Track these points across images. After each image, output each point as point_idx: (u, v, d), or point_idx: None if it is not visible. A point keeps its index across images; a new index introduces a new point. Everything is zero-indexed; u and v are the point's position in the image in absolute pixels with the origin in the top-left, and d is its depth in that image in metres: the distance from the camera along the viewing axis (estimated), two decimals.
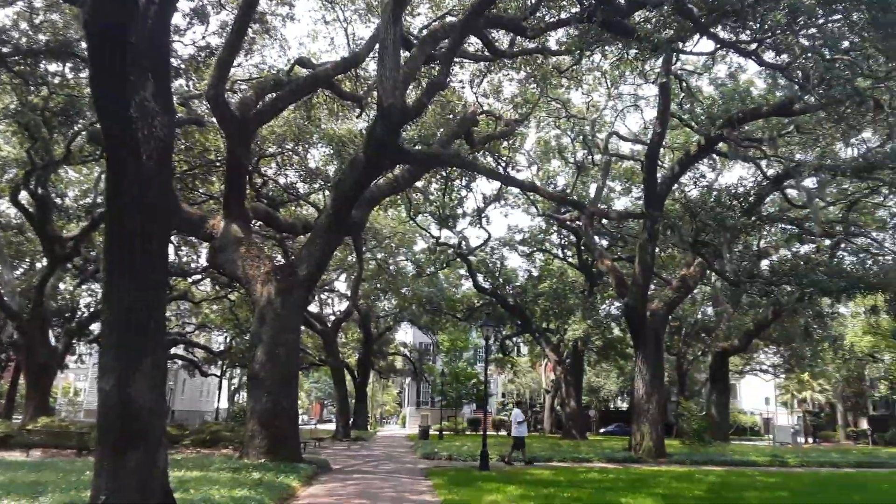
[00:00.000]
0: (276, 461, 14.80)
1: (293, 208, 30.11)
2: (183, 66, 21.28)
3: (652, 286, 27.61)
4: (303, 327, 40.09)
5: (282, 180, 29.54)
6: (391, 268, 41.28)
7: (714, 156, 29.07)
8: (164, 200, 8.30)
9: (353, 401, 48.92)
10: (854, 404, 53.54)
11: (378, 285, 41.91)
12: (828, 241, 27.18)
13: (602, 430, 54.87)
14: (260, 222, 25.01)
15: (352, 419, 45.82)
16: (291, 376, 16.33)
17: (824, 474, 18.75)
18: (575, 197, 34.96)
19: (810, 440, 47.66)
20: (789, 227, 26.12)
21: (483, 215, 36.32)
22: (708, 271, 28.72)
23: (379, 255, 40.52)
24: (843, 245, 27.22)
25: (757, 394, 65.09)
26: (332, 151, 27.32)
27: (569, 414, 36.73)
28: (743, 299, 35.25)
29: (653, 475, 16.99)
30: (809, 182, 20.96)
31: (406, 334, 62.96)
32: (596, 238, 31.86)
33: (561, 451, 23.19)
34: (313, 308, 41.81)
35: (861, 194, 27.37)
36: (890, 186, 25.72)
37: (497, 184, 34.93)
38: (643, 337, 23.96)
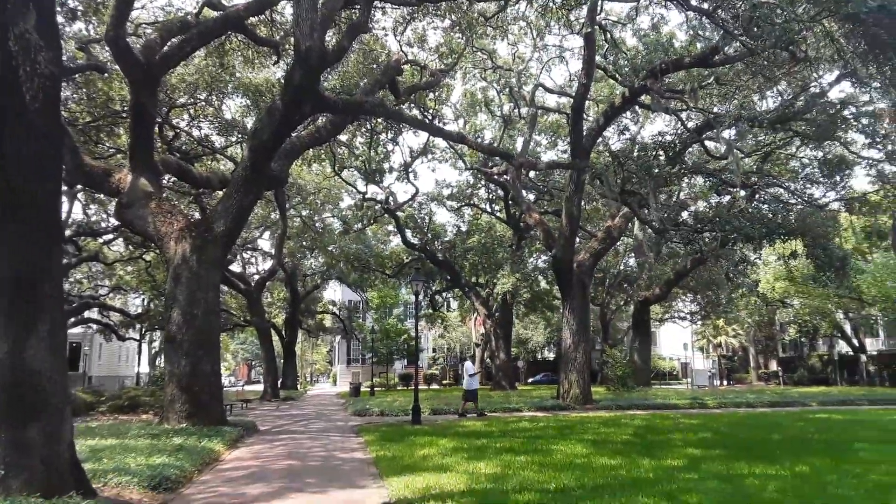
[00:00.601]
0: (199, 425, 14.18)
1: (209, 162, 28.65)
2: (81, 7, 19.52)
3: (578, 239, 28.00)
4: (225, 287, 39.00)
5: (196, 133, 27.97)
6: (317, 225, 40.32)
7: (637, 109, 29.44)
8: (53, 149, 7.46)
9: (282, 361, 48.15)
10: (765, 347, 56.77)
11: (304, 243, 40.93)
12: (742, 193, 28.14)
13: (530, 381, 56.26)
14: (173, 177, 23.65)
15: (280, 379, 45.14)
16: (211, 337, 15.58)
17: (741, 414, 19.62)
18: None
19: (725, 382, 50.29)
20: (709, 178, 26.82)
21: (410, 170, 35.75)
22: (630, 223, 29.41)
23: (304, 212, 39.42)
24: (757, 195, 28.23)
25: (675, 340, 68.16)
26: (248, 102, 26.01)
27: (498, 366, 37.26)
28: (664, 250, 36.43)
29: (581, 421, 17.32)
30: (728, 133, 21.40)
31: (335, 292, 62.18)
32: (523, 192, 31.95)
33: (492, 403, 23.41)
34: (236, 268, 40.50)
35: (775, 146, 28.39)
36: (802, 137, 26.75)
37: (424, 137, 34.41)
38: (570, 288, 24.25)
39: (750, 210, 19.15)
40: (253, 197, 16.08)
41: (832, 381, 44.37)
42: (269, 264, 39.22)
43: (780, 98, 26.09)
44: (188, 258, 15.28)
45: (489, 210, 41.75)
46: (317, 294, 52.98)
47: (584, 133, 24.51)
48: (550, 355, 66.12)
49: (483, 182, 38.54)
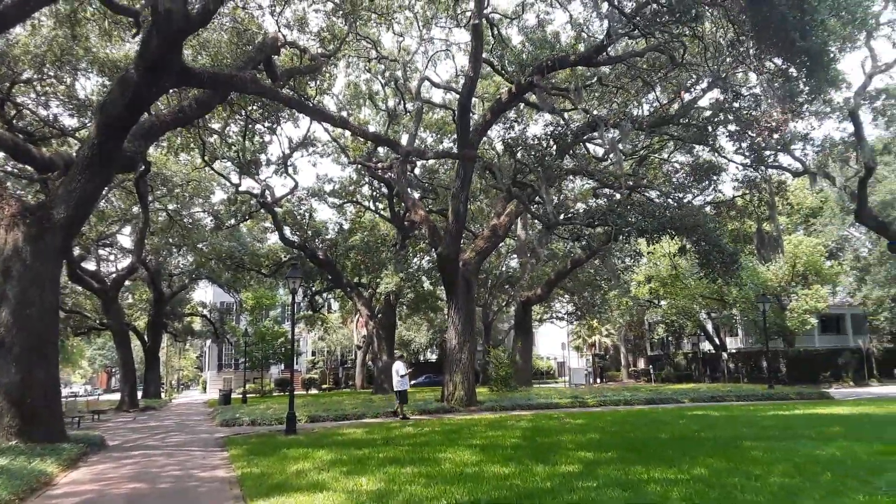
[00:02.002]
0: (32, 442, 12.14)
1: (57, 145, 25.52)
2: None
3: (462, 239, 27.48)
4: (79, 287, 35.19)
5: (43, 112, 24.84)
6: (185, 220, 37.34)
7: (522, 108, 29.43)
8: None
9: (144, 367, 44.40)
10: (634, 346, 59.29)
11: (170, 239, 37.79)
12: (618, 196, 28.81)
13: (412, 383, 55.37)
14: (13, 162, 20.71)
15: (142, 387, 41.51)
16: (48, 342, 13.41)
17: (623, 412, 19.69)
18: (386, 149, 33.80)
19: (598, 380, 51.86)
20: (590, 179, 27.18)
21: (289, 163, 33.85)
22: (514, 224, 29.30)
23: (170, 206, 36.38)
24: (633, 197, 28.96)
25: (551, 340, 70.03)
26: (106, 80, 23.33)
27: (381, 368, 36.08)
28: (545, 251, 36.83)
29: (467, 425, 16.59)
30: (611, 133, 21.56)
31: (205, 293, 58.32)
32: (408, 189, 31.03)
33: (374, 407, 22.26)
34: (90, 265, 36.74)
35: (651, 149, 29.29)
36: (677, 141, 27.71)
37: (304, 129, 32.79)
38: (455, 287, 23.61)
39: (638, 206, 19.25)
40: (100, 181, 14.04)
41: (696, 378, 46.81)
42: (129, 262, 35.83)
43: (657, 103, 26.90)
44: (21, 249, 13.07)
45: (373, 208, 40.54)
46: (185, 295, 49.37)
47: (471, 128, 24.02)
48: (433, 357, 65.76)
49: (367, 178, 37.29)
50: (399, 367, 20.52)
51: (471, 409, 22.13)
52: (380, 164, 32.64)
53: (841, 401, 23.05)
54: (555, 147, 19.12)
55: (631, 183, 27.72)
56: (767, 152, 27.04)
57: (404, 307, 46.48)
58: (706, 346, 48.89)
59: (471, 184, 24.33)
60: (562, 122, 24.86)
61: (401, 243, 37.48)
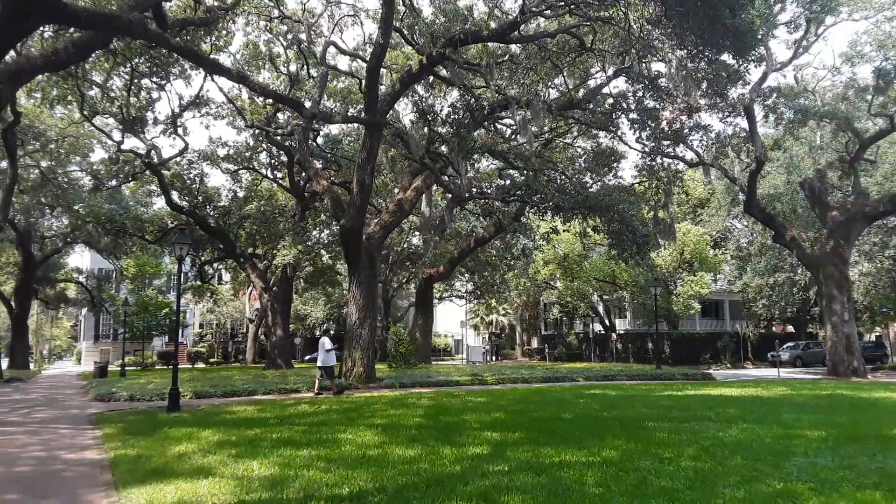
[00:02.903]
0: None
1: None
2: None
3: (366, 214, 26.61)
4: None
5: None
6: (60, 178, 34.15)
7: (431, 80, 28.74)
8: None
9: (10, 335, 40.67)
10: (529, 326, 60.61)
11: (42, 198, 34.47)
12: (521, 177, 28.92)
13: (307, 358, 54.09)
14: None
15: (8, 358, 38.02)
16: None
17: (522, 390, 19.71)
18: (288, 109, 32.23)
19: (495, 358, 52.64)
20: (499, 158, 26.99)
21: (179, 123, 31.63)
22: (420, 199, 28.71)
23: (44, 163, 33.16)
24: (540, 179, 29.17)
25: (448, 318, 70.48)
26: None
27: (275, 343, 34.72)
28: (447, 229, 36.58)
29: (367, 402, 15.97)
30: (522, 113, 21.32)
31: (82, 258, 54.18)
32: (310, 159, 29.68)
33: (266, 383, 21.20)
34: None
35: (557, 133, 29.52)
36: (582, 126, 28.02)
37: (197, 88, 30.49)
38: (359, 261, 22.82)
39: (555, 184, 19.15)
40: None
41: (586, 357, 48.46)
42: None
43: (563, 87, 27.04)
44: None
45: (270, 176, 38.72)
46: (59, 259, 45.49)
47: (379, 98, 23.11)
48: (331, 331, 64.50)
49: (265, 145, 35.50)
50: (325, 343, 19.75)
51: (370, 386, 21.54)
52: (280, 130, 31.10)
53: (725, 382, 24.25)
54: (469, 118, 18.61)
55: (536, 165, 27.91)
56: (665, 142, 27.91)
57: (301, 281, 45.00)
58: (597, 326, 50.61)
59: (377, 156, 23.45)
60: (472, 98, 24.52)
61: (300, 214, 36.05)
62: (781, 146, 28.83)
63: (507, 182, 22.78)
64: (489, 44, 24.12)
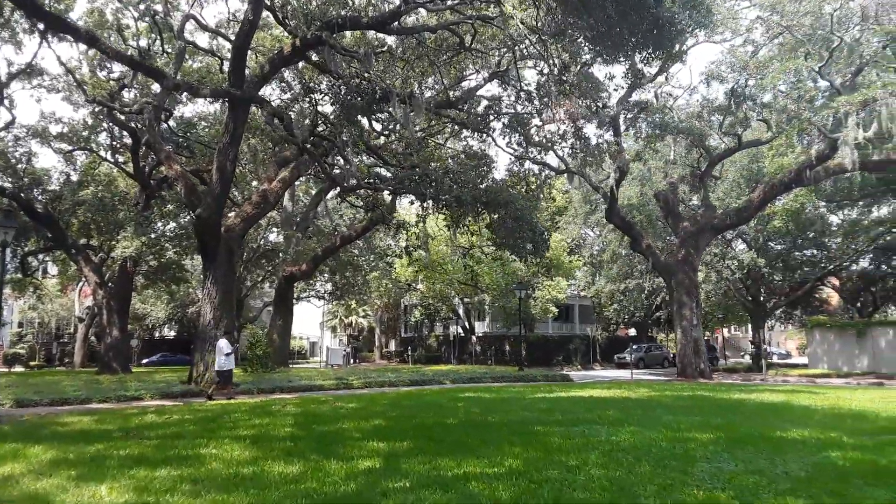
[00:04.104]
0: None
1: None
2: None
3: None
4: None
5: None
6: None
7: (301, 66, 27.20)
8: None
9: None
10: (388, 328, 59.87)
11: None
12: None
13: (145, 361, 49.78)
14: None
15: None
16: None
17: (392, 395, 18.92)
18: (136, 86, 29.32)
19: (353, 361, 51.36)
20: (372, 155, 26.05)
21: (6, 93, 27.66)
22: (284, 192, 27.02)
23: None
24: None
25: (304, 319, 67.95)
26: None
27: (110, 344, 31.23)
28: (310, 227, 35.01)
29: (225, 411, 14.40)
30: (404, 107, 20.54)
31: None
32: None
33: (102, 390, 18.75)
34: None
35: (431, 131, 29.10)
36: (456, 125, 27.78)
37: (30, 55, 26.77)
38: (216, 255, 20.92)
39: (452, 176, 18.45)
40: None
41: (445, 359, 48.57)
42: None
43: (439, 85, 26.63)
44: None
45: (111, 159, 34.98)
46: None
47: (247, 79, 21.35)
48: (171, 333, 59.91)
49: (107, 124, 31.96)
50: (224, 346, 18.22)
51: (225, 392, 19.70)
52: (126, 108, 28.07)
53: (585, 383, 24.93)
54: (361, 102, 17.50)
55: (417, 160, 27.26)
56: (532, 149, 28.39)
57: (142, 277, 41.09)
58: (457, 329, 50.93)
59: (241, 140, 21.68)
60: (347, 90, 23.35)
61: (144, 203, 32.83)
62: (643, 158, 30.36)
63: (398, 172, 21.75)
64: (368, 33, 23.18)
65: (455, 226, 19.39)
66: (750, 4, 23.91)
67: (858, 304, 42.85)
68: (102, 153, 34.57)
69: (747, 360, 51.77)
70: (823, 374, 31.06)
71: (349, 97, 17.00)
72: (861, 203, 34.17)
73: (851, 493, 6.24)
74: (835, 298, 48.00)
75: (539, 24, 16.87)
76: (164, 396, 18.28)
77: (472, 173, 20.94)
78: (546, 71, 21.09)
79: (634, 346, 45.39)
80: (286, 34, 24.04)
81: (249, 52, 24.64)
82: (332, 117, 17.03)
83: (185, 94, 32.12)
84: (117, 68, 30.59)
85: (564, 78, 16.54)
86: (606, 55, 13.40)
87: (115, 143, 34.41)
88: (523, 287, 35.17)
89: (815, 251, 39.28)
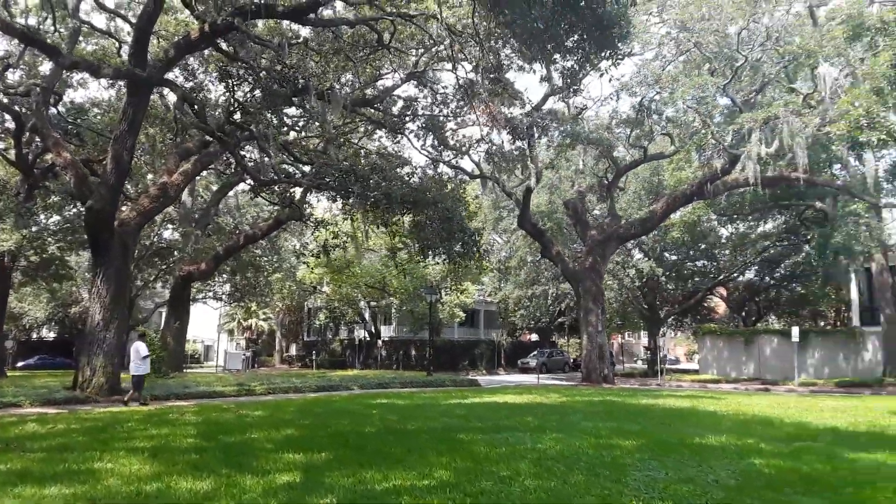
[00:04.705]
0: None
1: None
2: None
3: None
4: None
5: None
6: None
7: (206, 55, 25.81)
8: None
9: None
10: (289, 331, 58.10)
11: None
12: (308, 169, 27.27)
13: (21, 364, 45.81)
14: None
15: None
16: None
17: (300, 401, 18.11)
18: (23, 66, 26.94)
19: (253, 366, 49.42)
20: (284, 152, 25.02)
21: None
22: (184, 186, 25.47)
23: None
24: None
25: (198, 321, 64.77)
26: None
27: None
28: (211, 223, 33.33)
29: (116, 420, 13.23)
30: (319, 103, 19.77)
31: None
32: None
33: None
34: None
35: (344, 130, 28.36)
36: (372, 124, 27.24)
37: None
38: (108, 251, 19.33)
39: (379, 171, 17.73)
40: None
41: (350, 364, 47.64)
42: None
43: (357, 82, 26.02)
44: None
45: None
46: None
47: (149, 64, 19.93)
48: (50, 334, 55.51)
49: None
50: (141, 348, 17.16)
51: (113, 399, 18.21)
52: (11, 90, 25.60)
53: (493, 388, 24.98)
54: (284, 89, 16.55)
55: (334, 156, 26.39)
56: (447, 153, 28.31)
57: (19, 273, 37.72)
58: (362, 333, 50.08)
59: (139, 128, 20.20)
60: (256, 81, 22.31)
61: (26, 193, 30.12)
62: (555, 166, 30.93)
63: (318, 168, 20.79)
64: (282, 23, 22.26)
65: (382, 225, 18.83)
66: (660, 21, 24.86)
67: (743, 313, 45.64)
68: None
69: (639, 365, 54.07)
70: (714, 380, 32.71)
71: (272, 84, 16.07)
72: (750, 218, 36.35)
73: (784, 501, 6.31)
74: (721, 307, 50.95)
75: (468, 23, 16.66)
76: (45, 403, 16.65)
77: (399, 171, 20.46)
78: (469, 72, 21.03)
79: (537, 352, 46.26)
80: (192, 19, 22.72)
81: (151, 36, 23.13)
82: (248, 106, 16.03)
83: (77, 76, 30.12)
84: (1, 46, 27.96)
85: (494, 77, 16.41)
86: (541, 56, 13.27)
87: None
88: (432, 292, 34.99)
89: (705, 262, 41.54)
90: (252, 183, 23.43)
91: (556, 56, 12.19)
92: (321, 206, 28.68)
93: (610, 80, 25.87)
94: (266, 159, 16.03)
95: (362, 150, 30.33)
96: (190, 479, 7.22)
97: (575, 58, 12.27)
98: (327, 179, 17.16)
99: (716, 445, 9.31)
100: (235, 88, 16.33)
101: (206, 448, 9.48)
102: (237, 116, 18.15)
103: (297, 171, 26.54)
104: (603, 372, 28.96)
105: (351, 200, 16.69)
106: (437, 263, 27.89)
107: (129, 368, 17.39)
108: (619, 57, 12.73)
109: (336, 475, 7.38)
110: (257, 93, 17.38)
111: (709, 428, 11.37)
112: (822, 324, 46.71)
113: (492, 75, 16.15)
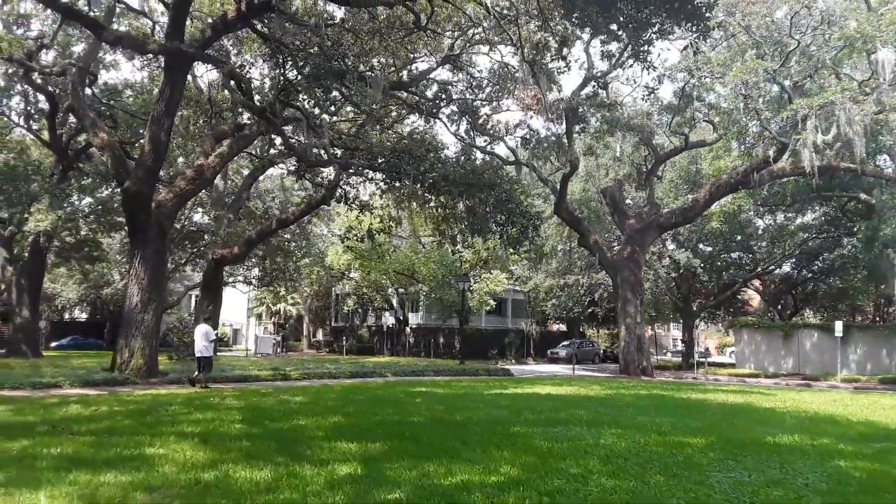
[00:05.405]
0: None
1: None
2: None
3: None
4: None
5: None
6: None
7: (242, 36, 25.53)
8: None
9: None
10: (316, 317, 58.14)
11: None
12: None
13: (54, 345, 46.37)
14: None
15: None
16: None
17: (338, 388, 17.84)
18: (57, 49, 26.96)
19: (281, 350, 49.57)
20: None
21: None
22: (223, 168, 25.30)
23: None
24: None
25: (228, 305, 65.15)
26: None
27: (19, 326, 28.66)
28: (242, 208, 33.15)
29: (158, 403, 13.09)
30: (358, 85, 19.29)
31: None
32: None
33: (13, 376, 16.92)
34: None
35: (378, 114, 27.94)
36: (406, 108, 26.82)
37: None
38: (146, 233, 19.27)
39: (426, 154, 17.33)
40: None
41: (378, 351, 47.52)
42: None
43: (392, 66, 25.55)
44: None
45: (24, 125, 32.11)
46: None
47: (186, 38, 19.65)
48: (83, 315, 56.15)
49: (22, 86, 29.23)
50: (208, 331, 17.81)
51: (152, 381, 18.22)
52: (47, 69, 25.62)
53: (527, 378, 24.60)
54: (337, 65, 16.14)
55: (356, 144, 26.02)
56: (481, 139, 27.77)
57: (53, 255, 38.11)
58: (390, 320, 49.92)
59: (177, 109, 20.02)
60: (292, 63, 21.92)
61: (61, 175, 30.30)
62: (595, 153, 30.27)
63: (371, 147, 20.37)
64: (318, 3, 21.86)
65: (441, 208, 18.39)
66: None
67: (779, 307, 44.63)
68: (15, 117, 31.67)
69: (669, 357, 53.26)
70: (752, 374, 31.98)
71: (324, 62, 15.64)
72: (790, 209, 35.35)
73: None
74: (756, 300, 49.90)
75: (508, 4, 16.09)
76: (84, 384, 16.62)
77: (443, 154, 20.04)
78: (504, 56, 20.46)
79: (568, 342, 45.70)
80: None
81: (190, 18, 22.90)
82: (297, 85, 15.65)
83: (110, 57, 30.10)
84: (35, 27, 28.05)
85: (537, 59, 15.83)
86: (611, 27, 12.46)
87: (29, 108, 31.60)
88: (464, 279, 34.60)
89: (741, 254, 40.58)
90: (296, 165, 23.08)
91: (631, 26, 11.47)
92: (364, 190, 28.36)
93: (695, 54, 23.83)
94: (315, 140, 15.60)
95: (394, 135, 29.96)
96: (247, 468, 6.93)
97: (653, 29, 11.53)
98: (380, 160, 16.70)
99: (791, 445, 8.81)
100: (285, 66, 15.89)
101: (255, 435, 9.22)
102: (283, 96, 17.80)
103: (336, 154, 26.29)
104: (641, 364, 28.37)
105: (407, 182, 16.21)
106: (488, 249, 26.98)
107: (196, 351, 17.75)
108: (707, 29, 11.97)
109: (398, 468, 7.04)
110: (304, 72, 16.96)
111: (774, 426, 10.85)
112: (860, 319, 45.53)
113: (551, 54, 15.58)
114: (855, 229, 31.25)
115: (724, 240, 37.94)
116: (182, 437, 8.76)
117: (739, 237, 38.43)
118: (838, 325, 28.10)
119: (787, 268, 41.44)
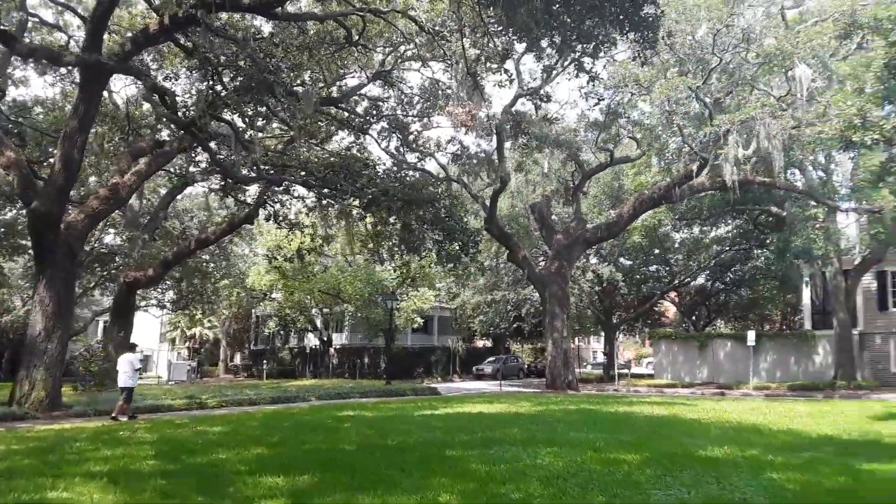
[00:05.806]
0: None
1: None
2: None
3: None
4: None
5: None
6: None
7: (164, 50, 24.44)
8: None
9: None
10: (234, 340, 56.13)
11: None
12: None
13: None
14: None
15: None
16: None
17: (260, 415, 17.01)
18: None
19: (196, 377, 47.49)
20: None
21: None
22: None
23: None
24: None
25: (139, 330, 62.00)
26: None
27: None
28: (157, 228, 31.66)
29: (60, 438, 12.12)
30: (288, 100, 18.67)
31: None
32: None
33: None
34: None
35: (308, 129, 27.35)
36: (336, 124, 26.36)
37: None
38: (53, 255, 18.01)
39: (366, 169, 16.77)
40: None
41: (300, 373, 46.25)
42: None
43: (322, 81, 25.06)
44: None
45: None
46: None
47: (105, 52, 18.58)
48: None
49: None
50: (134, 360, 16.90)
51: (55, 415, 16.90)
52: None
53: (455, 396, 24.38)
54: (271, 78, 15.45)
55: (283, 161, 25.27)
56: (410, 156, 27.65)
57: None
58: (312, 340, 48.73)
59: (91, 125, 18.90)
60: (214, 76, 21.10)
61: None
62: (524, 169, 30.60)
63: (303, 163, 19.61)
64: (244, 17, 21.19)
65: (383, 225, 17.90)
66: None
67: (693, 317, 46.38)
68: None
69: (590, 370, 54.40)
70: (669, 385, 32.89)
71: (257, 72, 15.00)
72: (706, 222, 36.84)
73: None
74: (672, 311, 51.72)
75: (443, 21, 16.04)
76: None
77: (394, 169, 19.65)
78: (435, 73, 20.40)
79: (493, 358, 45.88)
80: (149, 13, 21.41)
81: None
82: (226, 98, 14.93)
83: (19, 73, 28.26)
84: None
85: (468, 76, 15.78)
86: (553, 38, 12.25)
87: None
88: (391, 297, 34.19)
89: (659, 267, 42.01)
90: (221, 182, 22.16)
91: (574, 37, 11.31)
92: (290, 208, 27.62)
93: (643, 65, 24.22)
94: (245, 155, 14.93)
95: (324, 152, 29.36)
96: None
97: (596, 41, 11.43)
98: (315, 176, 16.15)
99: (723, 458, 8.93)
100: (213, 78, 15.18)
101: (171, 472, 8.58)
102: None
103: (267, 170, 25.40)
104: (567, 378, 28.69)
105: (344, 198, 15.68)
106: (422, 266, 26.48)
107: (119, 381, 16.93)
108: (654, 40, 11.92)
109: (330, 502, 6.66)
110: (234, 84, 16.32)
111: (701, 437, 11.05)
112: (768, 328, 47.84)
113: (493, 66, 15.54)
114: (767, 241, 32.78)
115: (644, 253, 39.16)
116: (89, 478, 8.04)
117: (658, 251, 39.77)
118: (751, 335, 29.33)
119: (701, 280, 43.19)
